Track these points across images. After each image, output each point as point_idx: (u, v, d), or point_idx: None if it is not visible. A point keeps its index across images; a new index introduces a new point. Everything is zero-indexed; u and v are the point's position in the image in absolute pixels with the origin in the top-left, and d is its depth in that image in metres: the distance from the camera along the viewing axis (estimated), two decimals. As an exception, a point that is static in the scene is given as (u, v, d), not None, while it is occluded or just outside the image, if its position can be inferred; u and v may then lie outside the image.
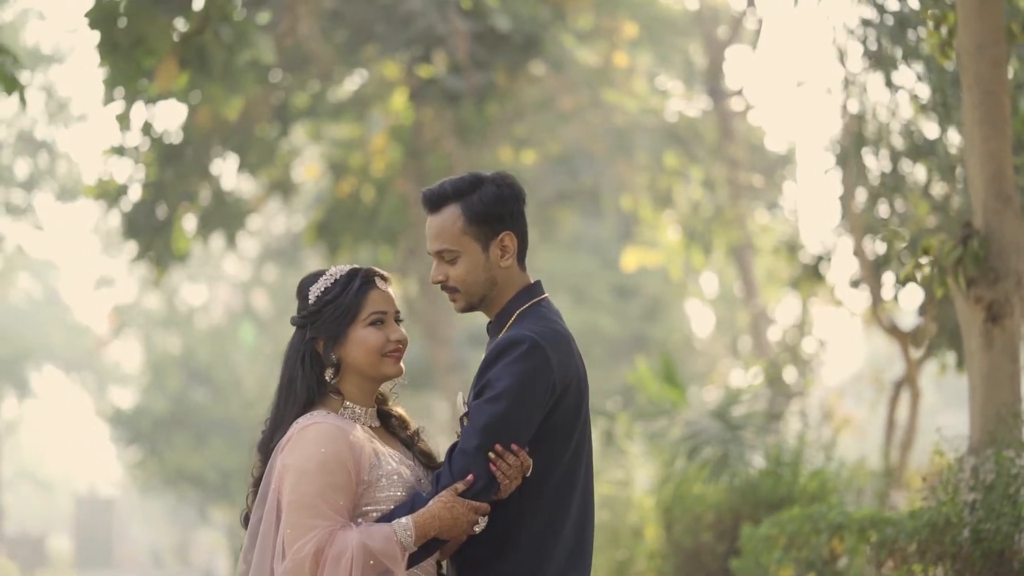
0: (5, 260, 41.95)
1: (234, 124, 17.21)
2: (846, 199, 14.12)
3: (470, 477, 4.16)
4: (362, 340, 4.31)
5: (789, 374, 18.05)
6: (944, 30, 7.68)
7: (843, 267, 15.53)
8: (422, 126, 17.27)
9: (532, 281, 4.41)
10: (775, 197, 20.31)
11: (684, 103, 19.22)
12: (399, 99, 17.46)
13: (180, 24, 11.66)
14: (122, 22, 11.59)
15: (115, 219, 18.35)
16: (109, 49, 11.68)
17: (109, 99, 16.19)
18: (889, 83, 12.87)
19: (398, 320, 4.39)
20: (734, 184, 18.01)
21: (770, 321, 18.96)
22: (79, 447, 59.24)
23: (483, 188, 4.35)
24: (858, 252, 14.05)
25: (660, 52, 19.84)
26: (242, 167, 18.23)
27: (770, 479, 9.53)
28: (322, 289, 4.35)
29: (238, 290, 38.34)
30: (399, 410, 4.51)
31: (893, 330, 13.74)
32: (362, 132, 18.44)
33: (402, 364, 4.38)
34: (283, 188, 19.10)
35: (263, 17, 15.75)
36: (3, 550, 43.74)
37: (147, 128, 17.14)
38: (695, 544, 9.78)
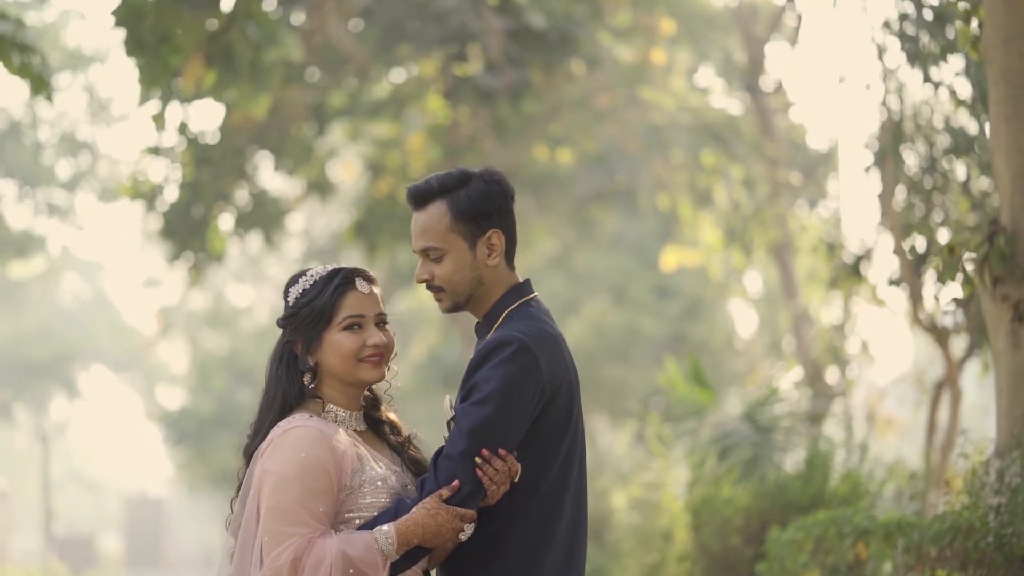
0: (51, 261, 42.18)
1: (270, 123, 17.17)
2: (885, 197, 13.90)
3: (455, 483, 4.03)
4: (336, 344, 4.17)
5: (831, 375, 17.82)
6: (975, 23, 7.48)
7: (883, 266, 15.31)
8: (458, 125, 17.15)
9: (521, 280, 4.27)
10: (816, 195, 20.07)
11: (723, 100, 19.04)
12: (435, 98, 17.35)
13: (207, 22, 11.62)
14: (148, 20, 11.57)
15: (153, 219, 18.34)
16: (136, 47, 11.65)
17: (145, 99, 16.18)
18: (928, 79, 12.65)
19: (383, 323, 4.24)
20: (774, 182, 17.79)
21: (811, 321, 18.72)
22: (128, 447, 59.55)
23: (470, 184, 4.21)
24: (897, 250, 13.82)
25: (698, 49, 19.66)
26: (279, 167, 18.18)
27: (799, 482, 9.36)
28: (300, 291, 4.22)
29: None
30: (391, 415, 4.37)
31: (933, 329, 13.50)
32: (399, 131, 18.35)
33: (384, 369, 4.22)
34: (320, 188, 19.02)
35: (296, 17, 15.70)
36: (54, 551, 44.01)
37: (183, 128, 17.12)
38: (723, 548, 9.62)
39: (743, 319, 24.98)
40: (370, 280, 4.25)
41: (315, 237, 32.42)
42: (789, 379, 16.15)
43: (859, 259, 14.91)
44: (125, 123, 35.24)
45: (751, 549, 9.38)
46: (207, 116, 32.58)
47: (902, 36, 12.87)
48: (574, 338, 20.90)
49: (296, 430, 4.08)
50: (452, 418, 4.13)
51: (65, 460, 56.44)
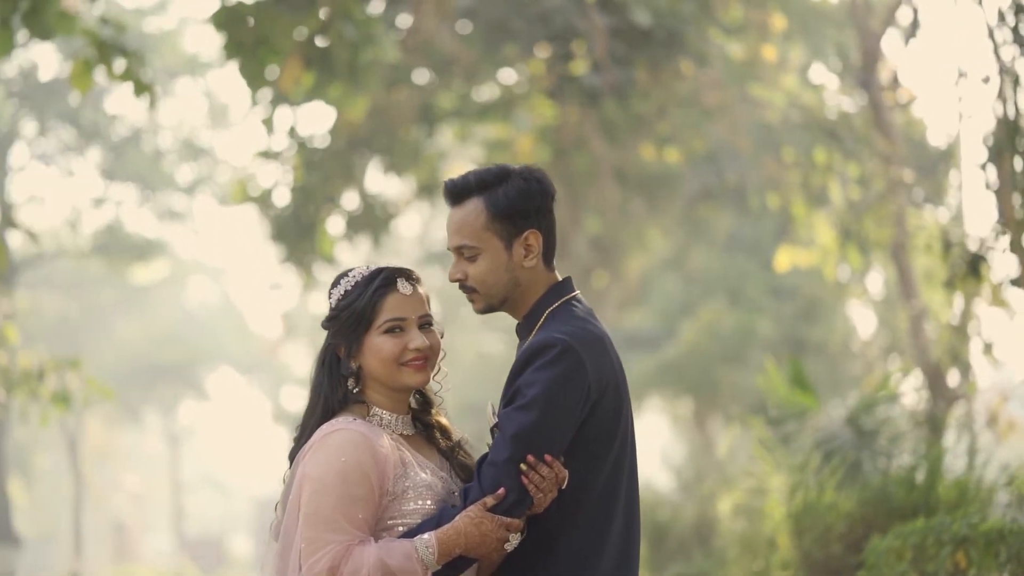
0: (176, 266, 42.77)
1: (379, 126, 17.16)
2: (1002, 194, 13.50)
3: (501, 491, 3.88)
4: (377, 348, 4.03)
5: (952, 377, 17.38)
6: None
7: (1003, 265, 14.88)
8: (566, 126, 16.99)
9: (560, 279, 4.11)
10: (933, 193, 19.61)
11: (838, 97, 18.65)
12: (543, 99, 17.23)
13: (303, 24, 11.62)
14: (247, 23, 11.59)
15: (266, 223, 18.47)
16: (235, 50, 11.69)
17: (254, 102, 16.29)
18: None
19: (427, 325, 4.09)
20: (890, 180, 17.40)
21: (930, 322, 18.30)
22: (255, 449, 60.22)
23: (509, 182, 4.06)
24: (1016, 249, 13.42)
25: (812, 45, 19.31)
26: (388, 169, 18.17)
27: (904, 487, 9.06)
28: (342, 292, 4.09)
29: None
30: (442, 420, 4.23)
31: (1056, 330, 13.08)
32: (509, 133, 18.25)
33: (428, 373, 4.07)
34: (430, 191, 18.99)
35: (400, 19, 15.67)
36: (185, 551, 44.67)
37: (292, 132, 17.20)
38: (825, 555, 9.35)
39: (862, 321, 24.53)
40: (413, 281, 4.10)
41: (431, 241, 32.49)
42: (904, 382, 15.77)
43: (976, 258, 14.52)
44: (241, 128, 35.59)
45: (854, 556, 9.11)
46: (317, 120, 32.76)
47: (1016, 29, 12.51)
48: (688, 340, 20.68)
49: (338, 433, 3.96)
50: (495, 425, 3.99)
51: (195, 462, 57.24)
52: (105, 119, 31.24)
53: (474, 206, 4.04)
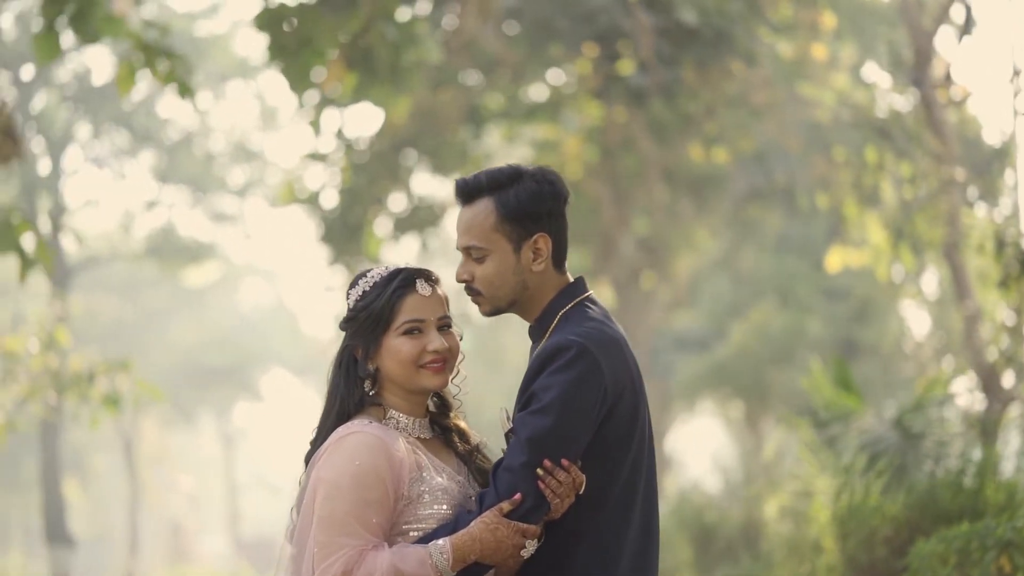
0: (228, 268, 42.95)
1: (426, 127, 17.13)
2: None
3: (517, 496, 3.80)
4: (394, 350, 3.96)
5: (1007, 379, 17.15)
6: None
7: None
8: (614, 126, 16.89)
9: (572, 280, 4.03)
10: (987, 192, 19.38)
11: (890, 96, 18.46)
12: (590, 99, 17.14)
13: (346, 25, 11.60)
14: (289, 24, 11.59)
15: (315, 225, 18.50)
16: (278, 52, 11.69)
17: (300, 104, 16.30)
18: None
19: (446, 327, 4.02)
20: (942, 179, 17.20)
21: (985, 322, 18.07)
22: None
23: (521, 183, 3.98)
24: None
25: (863, 43, 19.12)
26: (435, 171, 18.14)
27: (950, 491, 8.91)
28: (360, 292, 4.03)
29: (453, 296, 38.46)
30: (461, 423, 4.16)
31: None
32: (556, 134, 18.16)
33: (446, 376, 4.00)
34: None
35: (447, 20, 15.62)
36: (241, 553, 44.84)
37: (339, 133, 17.21)
38: (870, 559, 9.21)
39: (916, 321, 24.29)
40: (433, 281, 4.03)
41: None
42: (955, 383, 15.58)
43: (1029, 258, 14.33)
44: (291, 130, 35.72)
45: (899, 561, 8.97)
46: (364, 121, 32.82)
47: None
48: (737, 342, 20.54)
49: (352, 436, 3.89)
50: (510, 431, 3.92)
51: (249, 464, 57.47)
52: (158, 122, 31.42)
53: (484, 206, 3.97)
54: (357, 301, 4.01)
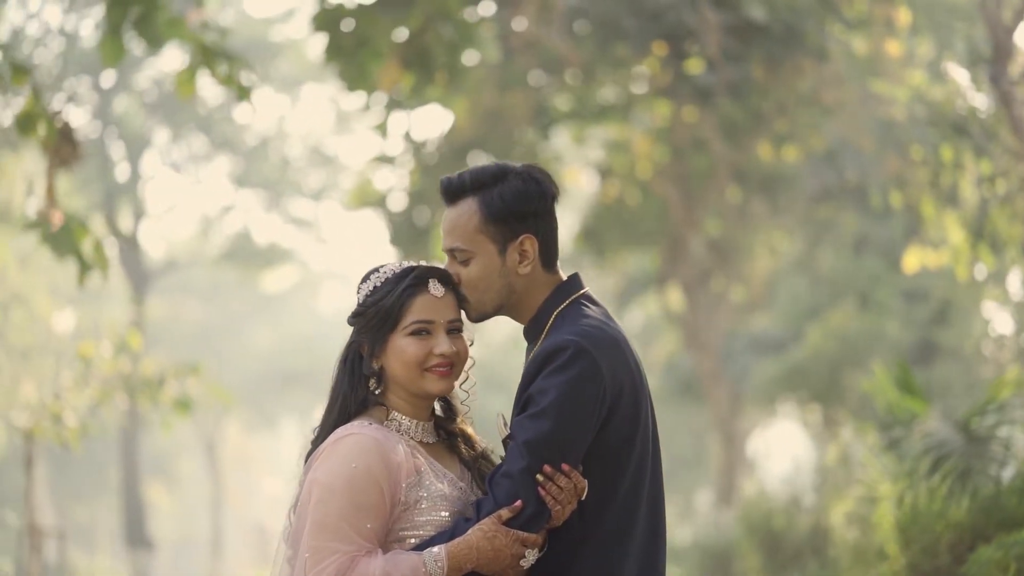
0: (305, 272, 43.10)
1: (494, 129, 17.01)
2: None
3: (517, 503, 3.65)
4: (400, 350, 3.81)
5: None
6: None
7: None
8: (683, 126, 16.67)
9: (565, 277, 3.87)
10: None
11: (967, 92, 18.09)
12: (660, 98, 16.92)
13: (403, 25, 11.52)
14: (346, 25, 11.52)
15: (384, 227, 18.46)
16: (335, 52, 11.63)
17: (367, 107, 16.27)
18: None
19: (455, 331, 3.86)
20: (1021, 177, 16.82)
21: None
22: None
23: (506, 182, 3.83)
24: None
25: (940, 39, 18.73)
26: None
27: (1016, 496, 8.63)
28: (371, 288, 3.88)
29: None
30: (467, 429, 4.02)
31: None
32: (626, 134, 17.96)
33: (451, 381, 3.87)
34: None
35: (516, 21, 15.49)
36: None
37: (407, 136, 17.15)
38: (933, 566, 8.95)
39: (1000, 323, 23.80)
40: (446, 282, 3.86)
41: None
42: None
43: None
44: (364, 133, 35.83)
45: (962, 568, 8.71)
46: (433, 124, 32.71)
47: None
48: (814, 344, 20.19)
49: (350, 438, 3.76)
50: (507, 437, 3.77)
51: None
52: (234, 127, 31.60)
53: (468, 207, 3.83)
54: (367, 296, 3.88)
